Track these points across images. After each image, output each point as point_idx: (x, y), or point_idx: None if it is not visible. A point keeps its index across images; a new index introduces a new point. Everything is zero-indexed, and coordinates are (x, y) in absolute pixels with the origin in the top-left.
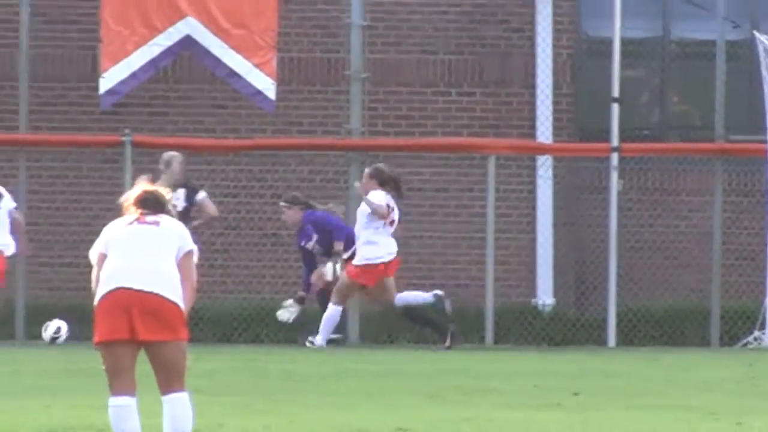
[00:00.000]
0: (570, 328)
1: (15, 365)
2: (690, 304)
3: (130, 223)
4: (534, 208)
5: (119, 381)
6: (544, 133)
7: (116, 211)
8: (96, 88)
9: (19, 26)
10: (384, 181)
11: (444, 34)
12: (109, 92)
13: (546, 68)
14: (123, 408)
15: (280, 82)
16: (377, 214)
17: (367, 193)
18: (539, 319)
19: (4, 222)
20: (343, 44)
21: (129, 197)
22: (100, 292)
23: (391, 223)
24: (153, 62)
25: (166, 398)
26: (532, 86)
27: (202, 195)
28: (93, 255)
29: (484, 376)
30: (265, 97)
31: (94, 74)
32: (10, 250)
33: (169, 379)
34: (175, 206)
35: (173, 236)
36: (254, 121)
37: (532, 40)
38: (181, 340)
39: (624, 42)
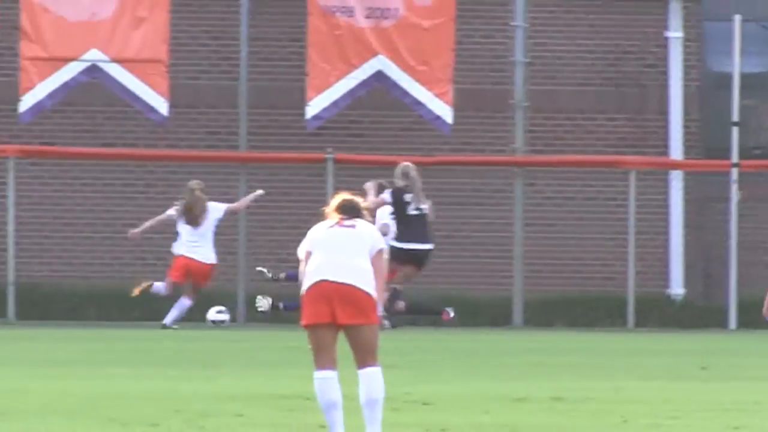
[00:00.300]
0: (698, 314)
1: (240, 342)
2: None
3: (331, 227)
4: (667, 214)
5: (322, 357)
6: (676, 151)
7: (319, 217)
8: (303, 114)
9: (239, 63)
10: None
11: (592, 69)
12: (314, 117)
13: (677, 97)
14: (326, 380)
15: (456, 109)
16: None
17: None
18: (672, 307)
19: (207, 235)
20: (509, 78)
21: (330, 205)
22: (306, 283)
23: None
24: (351, 92)
25: (361, 372)
26: (665, 112)
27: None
28: (300, 253)
29: (625, 353)
30: (444, 122)
31: (302, 102)
32: (211, 261)
33: (364, 356)
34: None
35: (366, 237)
36: (434, 141)
37: (665, 74)
38: (373, 324)
39: (743, 75)
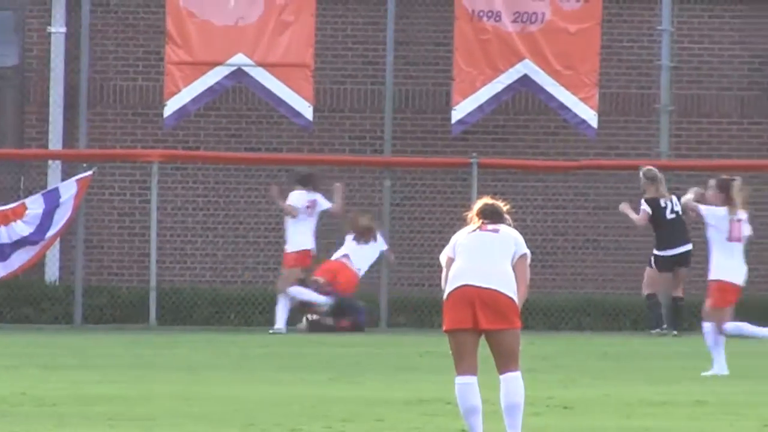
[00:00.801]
0: None
1: (382, 348)
2: None
3: (473, 231)
4: None
5: (463, 362)
6: None
7: (464, 222)
8: (448, 118)
9: (385, 67)
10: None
11: (738, 74)
12: (459, 122)
13: None
14: (467, 385)
15: (601, 113)
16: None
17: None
18: None
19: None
20: (654, 82)
21: (473, 209)
22: (448, 288)
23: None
24: (496, 97)
25: (503, 377)
26: None
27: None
28: (443, 258)
29: None
30: (589, 126)
31: (447, 106)
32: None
33: (506, 361)
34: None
35: (510, 242)
36: (579, 145)
37: None
38: (515, 329)
39: None
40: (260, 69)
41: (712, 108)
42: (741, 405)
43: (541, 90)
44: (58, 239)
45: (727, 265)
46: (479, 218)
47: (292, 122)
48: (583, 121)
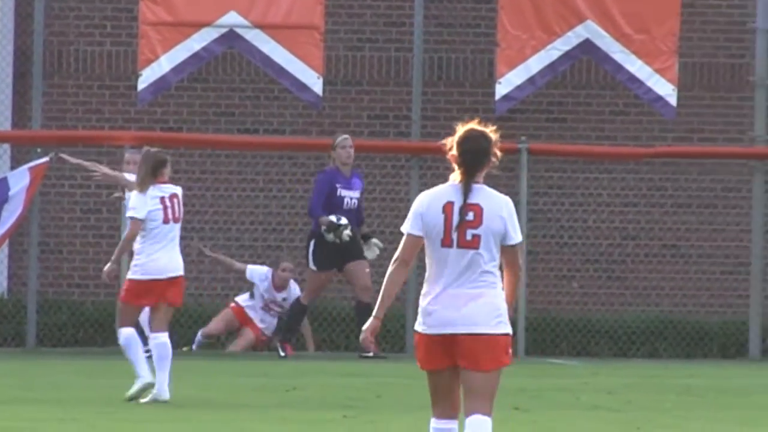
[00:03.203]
0: None
1: (410, 379)
2: None
3: (449, 204)
4: None
5: (439, 404)
6: None
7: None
8: (491, 94)
9: (412, 29)
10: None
11: None
12: (505, 98)
13: None
14: (442, 431)
15: (682, 87)
16: None
17: None
18: None
19: None
20: (747, 49)
21: (452, 145)
22: (419, 318)
23: None
24: (551, 67)
25: (468, 420)
26: None
27: None
28: (404, 229)
29: None
30: (666, 104)
31: (490, 79)
32: None
33: (474, 401)
34: None
35: (497, 223)
36: (654, 128)
37: None
38: (498, 367)
39: None
40: (258, 31)
41: None
42: None
43: (607, 59)
44: (6, 242)
45: None
46: (461, 165)
47: (297, 98)
48: (660, 98)
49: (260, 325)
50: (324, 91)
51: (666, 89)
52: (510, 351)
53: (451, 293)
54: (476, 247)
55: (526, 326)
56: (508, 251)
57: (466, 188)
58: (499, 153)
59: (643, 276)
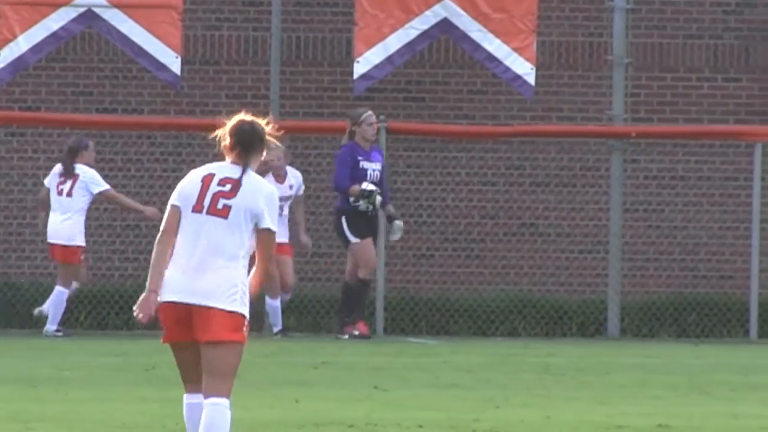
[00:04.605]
0: None
1: (268, 357)
2: None
3: (211, 178)
4: None
5: (189, 379)
6: None
7: None
8: (350, 73)
9: (271, 9)
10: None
11: (710, 17)
12: (364, 77)
13: None
14: (192, 405)
15: (540, 66)
16: None
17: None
18: None
19: None
20: (605, 28)
21: (227, 130)
22: (163, 288)
23: None
24: (409, 46)
25: (205, 402)
26: None
27: None
28: (170, 203)
29: (750, 371)
30: (525, 83)
31: (348, 59)
32: None
33: (212, 382)
34: None
35: (253, 204)
36: (513, 107)
37: None
38: (233, 342)
39: None
40: (115, 10)
41: (678, 60)
42: (712, 430)
43: (465, 38)
44: None
45: None
46: (234, 148)
47: (155, 77)
48: (518, 77)
49: None
50: (182, 70)
51: (524, 68)
52: (244, 331)
53: (193, 263)
54: (225, 217)
55: (385, 305)
56: (262, 235)
57: (237, 166)
58: (272, 141)
59: (502, 255)
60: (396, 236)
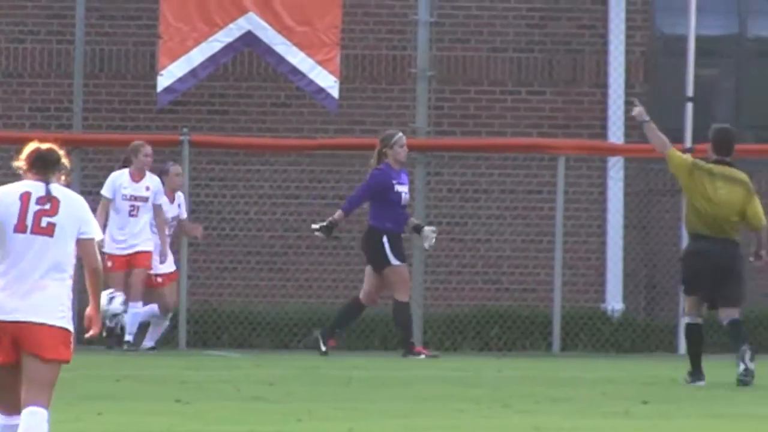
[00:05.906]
0: (639, 335)
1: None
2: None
3: (36, 199)
4: (604, 210)
5: (3, 401)
6: (616, 133)
7: None
8: (153, 86)
9: (74, 21)
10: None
11: (513, 31)
12: (167, 90)
13: (618, 66)
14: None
15: (344, 79)
16: None
17: None
18: (608, 325)
19: None
20: (409, 41)
21: (23, 157)
22: None
23: None
24: (213, 59)
25: (24, 411)
26: (603, 85)
27: None
28: None
29: (552, 383)
30: (328, 95)
31: (152, 71)
32: None
33: (35, 392)
34: None
35: (74, 217)
36: (317, 119)
37: (604, 37)
38: (59, 361)
39: (699, 39)
40: None
41: (482, 74)
42: None
43: (269, 51)
44: None
45: None
46: (31, 170)
47: None
48: (322, 90)
49: None
50: None
51: (328, 81)
52: (71, 347)
53: (20, 282)
54: (50, 235)
55: (188, 318)
56: (86, 245)
57: (45, 184)
58: (67, 162)
59: (305, 268)
60: (429, 242)
